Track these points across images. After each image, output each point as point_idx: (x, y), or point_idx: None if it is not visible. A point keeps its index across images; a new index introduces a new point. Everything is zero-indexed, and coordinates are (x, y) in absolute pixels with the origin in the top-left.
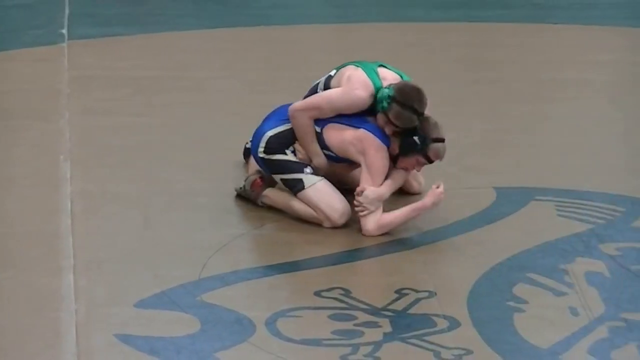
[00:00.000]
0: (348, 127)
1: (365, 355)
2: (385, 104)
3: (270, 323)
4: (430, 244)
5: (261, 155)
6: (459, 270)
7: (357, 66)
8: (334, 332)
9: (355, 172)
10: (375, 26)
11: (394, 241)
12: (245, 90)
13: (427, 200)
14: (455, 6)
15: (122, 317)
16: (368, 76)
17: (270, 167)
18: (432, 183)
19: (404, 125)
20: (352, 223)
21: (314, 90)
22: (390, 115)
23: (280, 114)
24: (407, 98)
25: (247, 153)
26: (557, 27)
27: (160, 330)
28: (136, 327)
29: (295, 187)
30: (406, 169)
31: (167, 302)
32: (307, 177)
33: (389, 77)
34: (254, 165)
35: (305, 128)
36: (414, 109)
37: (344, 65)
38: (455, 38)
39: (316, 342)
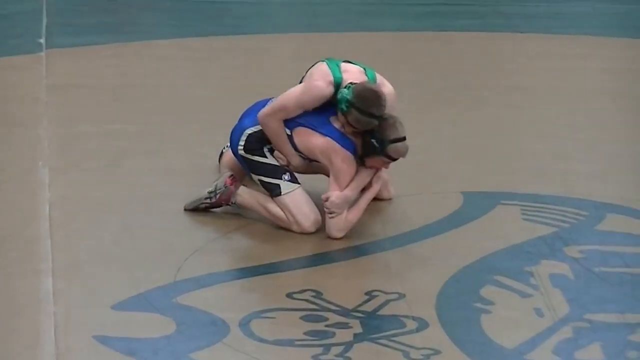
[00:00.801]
0: (314, 132)
1: (336, 356)
2: (344, 107)
3: (244, 324)
4: (400, 248)
5: (241, 152)
6: (428, 272)
7: (323, 61)
8: (306, 333)
9: None
10: (345, 35)
11: (365, 244)
12: (219, 97)
13: (375, 185)
14: (425, 16)
15: (100, 318)
16: (329, 68)
17: (250, 166)
18: (401, 186)
19: (363, 128)
20: (323, 228)
21: None
22: (349, 119)
23: (257, 112)
24: (366, 104)
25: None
26: (524, 36)
27: (137, 332)
28: (114, 329)
29: (273, 192)
30: (375, 168)
31: (143, 304)
32: (285, 184)
33: (351, 69)
34: (226, 165)
35: (277, 131)
36: (372, 114)
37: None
38: (424, 46)
39: (289, 343)
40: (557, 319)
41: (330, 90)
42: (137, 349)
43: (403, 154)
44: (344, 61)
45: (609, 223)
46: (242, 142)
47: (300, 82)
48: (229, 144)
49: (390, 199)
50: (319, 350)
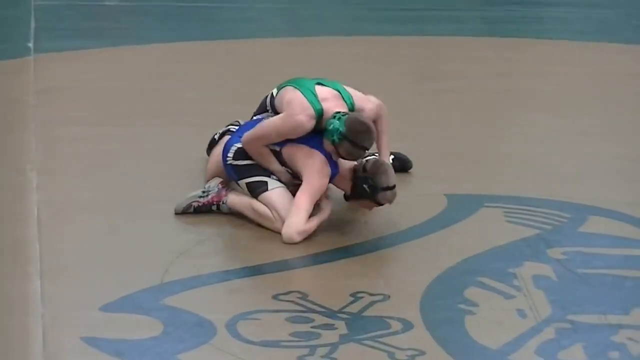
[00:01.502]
0: (304, 146)
1: (322, 357)
2: (336, 138)
3: (231, 325)
4: (385, 249)
5: (230, 162)
6: (412, 274)
7: (295, 87)
8: (292, 334)
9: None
10: (332, 40)
11: (350, 246)
12: (207, 101)
13: (326, 209)
14: (409, 21)
15: (88, 320)
16: (307, 99)
17: (238, 172)
18: None
19: (353, 158)
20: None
21: (263, 105)
22: (340, 150)
23: (247, 128)
24: (358, 137)
25: (213, 146)
26: (507, 40)
27: (125, 333)
28: (102, 330)
29: (259, 189)
30: (361, 207)
31: (131, 305)
32: (272, 181)
33: (327, 95)
34: (211, 173)
35: (260, 153)
36: (364, 146)
37: (283, 86)
38: (409, 51)
39: (275, 344)
40: (540, 320)
41: (311, 124)
42: (125, 350)
43: (391, 201)
44: (316, 83)
45: (591, 225)
46: (230, 154)
47: (271, 97)
48: (219, 132)
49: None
50: (305, 351)
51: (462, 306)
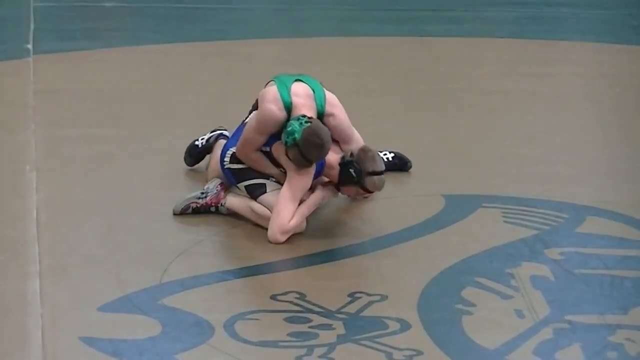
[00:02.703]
0: None
1: (319, 357)
2: (289, 140)
3: (229, 325)
4: (382, 250)
5: (227, 166)
6: (410, 274)
7: (274, 83)
8: (289, 334)
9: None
10: (327, 40)
11: (347, 247)
12: (204, 102)
13: (317, 193)
14: (405, 21)
15: (87, 320)
16: (279, 91)
17: (237, 175)
18: (383, 189)
19: (296, 165)
20: (310, 229)
21: (254, 106)
22: (289, 154)
23: (239, 133)
24: (309, 151)
25: (194, 150)
26: (503, 41)
27: (123, 333)
28: (100, 330)
29: (258, 191)
30: (350, 196)
31: (129, 305)
32: (270, 183)
33: (301, 92)
34: (216, 166)
35: (254, 159)
36: (310, 160)
37: (267, 82)
38: (405, 51)
39: (273, 344)
40: (538, 320)
41: (283, 114)
42: (123, 350)
43: (379, 187)
44: (296, 79)
45: (589, 225)
46: (226, 159)
47: (255, 103)
48: (204, 138)
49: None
50: (303, 351)
51: (460, 306)
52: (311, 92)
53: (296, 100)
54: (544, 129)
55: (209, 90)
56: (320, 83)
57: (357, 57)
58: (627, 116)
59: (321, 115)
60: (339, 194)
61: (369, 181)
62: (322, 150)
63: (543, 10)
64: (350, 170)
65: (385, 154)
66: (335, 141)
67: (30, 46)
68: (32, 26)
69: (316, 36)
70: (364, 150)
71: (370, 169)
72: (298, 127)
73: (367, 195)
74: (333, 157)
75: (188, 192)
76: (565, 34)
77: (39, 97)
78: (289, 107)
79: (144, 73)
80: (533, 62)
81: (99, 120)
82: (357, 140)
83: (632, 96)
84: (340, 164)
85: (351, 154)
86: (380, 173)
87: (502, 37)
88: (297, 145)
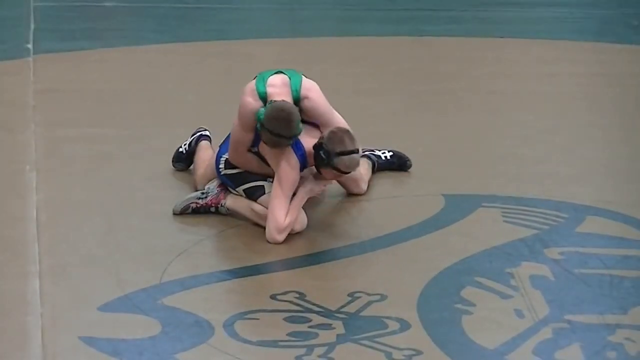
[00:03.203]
0: None
1: (319, 356)
2: (258, 126)
3: (228, 325)
4: (382, 249)
5: (223, 173)
6: (409, 274)
7: (257, 76)
8: (289, 334)
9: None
10: (327, 40)
11: (347, 246)
12: (204, 102)
13: (305, 186)
14: (405, 21)
15: (87, 320)
16: (255, 84)
17: (234, 180)
18: (382, 188)
19: (274, 147)
20: (308, 228)
21: None
22: (262, 138)
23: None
24: (275, 125)
25: (180, 157)
26: (503, 40)
27: (123, 333)
28: (100, 330)
29: (257, 193)
30: (329, 179)
31: (129, 305)
32: (269, 184)
33: (276, 82)
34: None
35: (248, 161)
36: (281, 134)
37: None
38: (405, 51)
39: (272, 344)
40: (537, 320)
41: (259, 104)
42: (123, 350)
43: (350, 167)
44: (276, 72)
45: (588, 225)
46: (221, 165)
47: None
48: (185, 143)
49: (361, 194)
50: (302, 351)
51: (460, 306)
52: (287, 80)
53: (271, 90)
54: (544, 129)
55: (209, 90)
56: (303, 74)
57: (357, 57)
58: (627, 116)
59: (297, 101)
60: (332, 181)
61: (339, 161)
62: (289, 122)
63: (543, 10)
64: (320, 152)
65: (384, 153)
66: (317, 126)
67: (30, 46)
68: (32, 26)
69: (316, 36)
70: (333, 132)
71: (339, 150)
72: (262, 110)
73: (344, 176)
74: (313, 143)
75: (188, 192)
76: (565, 34)
77: (39, 96)
78: (264, 97)
79: (144, 73)
80: (533, 62)
81: (99, 120)
82: (338, 124)
83: (631, 96)
84: (313, 147)
85: (321, 137)
86: (349, 152)
87: (501, 37)
88: (263, 125)
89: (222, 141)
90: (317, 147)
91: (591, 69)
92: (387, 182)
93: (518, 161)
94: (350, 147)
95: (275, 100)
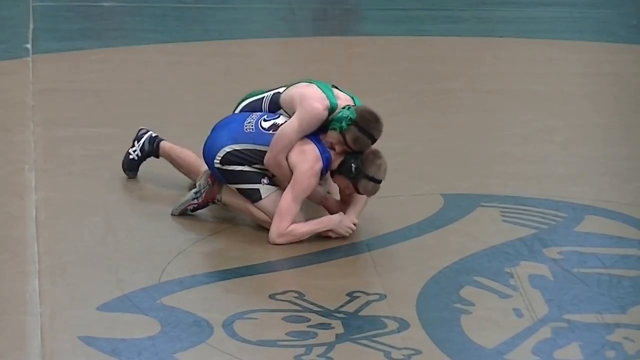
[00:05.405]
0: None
1: (318, 356)
2: (344, 124)
3: (227, 325)
4: (381, 249)
5: (217, 166)
6: (408, 273)
7: (310, 83)
8: (288, 334)
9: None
10: (325, 40)
11: (346, 246)
12: (202, 102)
13: (335, 216)
14: (404, 21)
15: (86, 319)
16: (323, 92)
17: (226, 176)
18: (382, 188)
19: (358, 148)
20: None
21: (258, 105)
22: (347, 137)
23: (232, 130)
24: (367, 124)
25: (132, 164)
26: (502, 40)
27: (122, 332)
28: (99, 329)
29: (253, 197)
30: (341, 186)
31: (128, 305)
32: (264, 188)
33: (342, 97)
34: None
35: (284, 166)
36: (372, 135)
37: (294, 83)
38: (403, 51)
39: (271, 343)
40: (536, 319)
41: (326, 114)
42: (122, 350)
43: (369, 193)
44: (332, 86)
45: (587, 225)
46: (218, 158)
47: (276, 94)
48: (133, 148)
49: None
50: (301, 350)
51: (458, 305)
52: (349, 98)
53: (339, 102)
54: (543, 128)
55: (208, 90)
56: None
57: (353, 56)
58: (626, 116)
59: None
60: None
61: (364, 183)
62: (380, 122)
63: (542, 10)
64: (352, 164)
65: None
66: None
67: (29, 46)
68: (31, 26)
69: (316, 36)
70: (374, 154)
71: (371, 174)
72: (347, 111)
73: (354, 194)
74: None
75: (187, 192)
76: (564, 34)
77: (38, 96)
78: (333, 109)
79: (143, 73)
80: (532, 61)
81: (97, 120)
82: None
83: (631, 96)
84: (345, 154)
85: (361, 151)
86: (378, 182)
87: (500, 37)
88: (355, 122)
89: (207, 135)
90: (352, 157)
91: (590, 68)
92: (386, 181)
93: (517, 161)
94: (380, 177)
95: (353, 106)
